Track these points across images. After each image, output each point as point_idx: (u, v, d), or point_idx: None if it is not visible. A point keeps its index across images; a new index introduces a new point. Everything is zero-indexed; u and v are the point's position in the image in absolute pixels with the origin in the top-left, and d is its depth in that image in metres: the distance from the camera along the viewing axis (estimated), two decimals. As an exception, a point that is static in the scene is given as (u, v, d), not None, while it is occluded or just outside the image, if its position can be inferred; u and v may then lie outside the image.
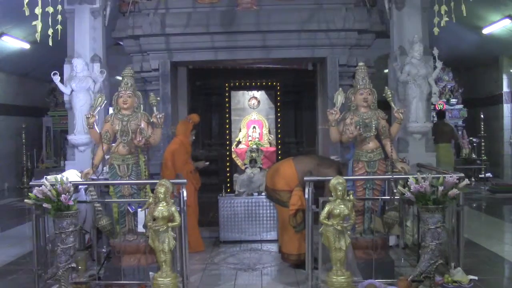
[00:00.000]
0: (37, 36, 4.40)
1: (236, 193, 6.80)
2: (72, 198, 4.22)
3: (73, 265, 4.26)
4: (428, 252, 4.17)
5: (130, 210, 4.89)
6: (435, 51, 6.70)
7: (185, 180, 4.71)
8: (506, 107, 12.17)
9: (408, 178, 4.31)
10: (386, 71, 7.43)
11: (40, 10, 4.30)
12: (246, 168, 6.99)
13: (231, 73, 9.83)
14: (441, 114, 10.89)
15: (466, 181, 4.35)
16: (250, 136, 9.93)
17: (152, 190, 4.56)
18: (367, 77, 4.95)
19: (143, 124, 4.90)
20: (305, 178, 4.63)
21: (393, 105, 4.97)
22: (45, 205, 4.16)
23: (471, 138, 12.17)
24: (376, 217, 4.92)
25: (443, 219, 4.24)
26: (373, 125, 4.84)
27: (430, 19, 5.99)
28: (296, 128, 10.67)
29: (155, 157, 6.61)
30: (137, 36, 7.14)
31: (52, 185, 4.20)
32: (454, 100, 12.76)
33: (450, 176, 4.21)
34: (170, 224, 4.27)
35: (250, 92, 10.45)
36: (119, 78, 5.13)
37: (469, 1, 5.21)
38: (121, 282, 4.67)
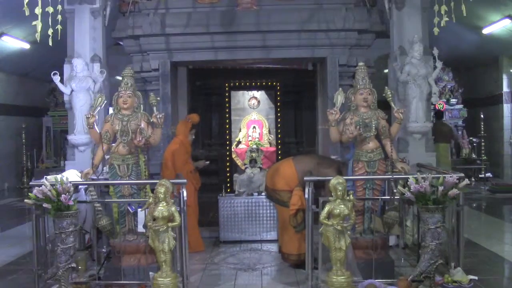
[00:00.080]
0: (37, 36, 4.40)
1: (236, 193, 6.81)
2: (72, 198, 4.22)
3: (73, 265, 4.26)
4: (428, 252, 4.17)
5: (130, 210, 4.89)
6: (435, 51, 6.70)
7: (185, 180, 4.71)
8: (506, 107, 12.17)
9: (408, 178, 4.31)
10: (386, 71, 7.43)
11: (40, 10, 4.30)
12: (246, 168, 6.99)
13: (231, 73, 9.83)
14: (439, 114, 10.90)
15: (466, 181, 4.35)
16: (250, 136, 9.93)
17: (152, 190, 4.56)
18: (367, 77, 4.95)
19: (143, 124, 4.90)
20: (305, 178, 4.63)
21: (393, 105, 4.97)
22: (45, 205, 4.16)
23: (471, 138, 12.18)
24: (376, 217, 4.92)
25: (443, 219, 4.24)
26: (373, 125, 4.84)
27: (430, 19, 5.99)
28: (296, 128, 10.68)
29: (155, 157, 6.61)
30: (137, 36, 7.14)
31: (52, 185, 4.20)
32: (454, 100, 12.75)
33: (450, 176, 4.21)
34: (170, 224, 4.27)
35: (250, 92, 10.46)
36: (119, 78, 5.13)
37: (469, 1, 5.21)
38: (121, 282, 4.67)
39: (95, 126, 4.93)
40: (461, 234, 4.63)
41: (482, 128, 11.60)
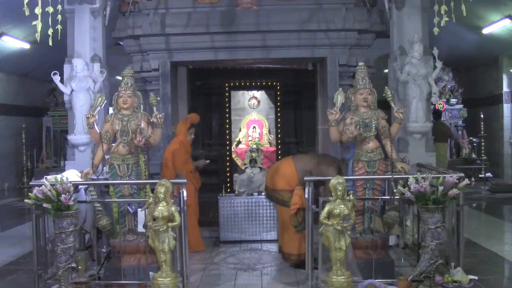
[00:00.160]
0: (37, 36, 4.40)
1: (236, 193, 6.81)
2: (72, 198, 4.22)
3: (73, 265, 4.26)
4: (428, 252, 4.17)
5: (130, 210, 4.89)
6: (435, 51, 6.70)
7: (185, 180, 4.71)
8: (506, 107, 12.17)
9: (408, 178, 4.31)
10: (386, 71, 7.43)
11: (40, 10, 4.30)
12: (246, 168, 6.99)
13: (231, 73, 9.84)
14: (437, 114, 10.90)
15: (466, 181, 4.35)
16: (250, 136, 9.93)
17: (152, 190, 4.56)
18: (367, 77, 4.95)
19: (143, 124, 4.90)
20: (305, 178, 4.63)
21: (393, 105, 4.97)
22: (45, 205, 4.16)
23: (471, 138, 12.18)
24: (376, 217, 4.92)
25: (443, 219, 4.24)
26: (373, 125, 4.84)
27: (430, 19, 5.99)
28: (296, 128, 10.68)
29: (155, 157, 6.61)
30: (137, 36, 7.14)
31: (52, 185, 4.20)
32: (454, 100, 12.75)
33: (450, 176, 4.21)
34: (170, 224, 4.27)
35: (250, 92, 10.46)
36: (119, 78, 5.13)
37: (469, 1, 5.21)
38: (121, 282, 4.67)
39: (95, 126, 4.93)
40: (461, 234, 4.63)
41: (482, 128, 11.59)
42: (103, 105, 5.20)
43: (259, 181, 6.71)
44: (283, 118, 9.59)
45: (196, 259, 5.81)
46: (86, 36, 6.81)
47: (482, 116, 11.66)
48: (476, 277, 4.44)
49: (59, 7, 4.65)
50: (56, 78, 6.70)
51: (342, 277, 4.22)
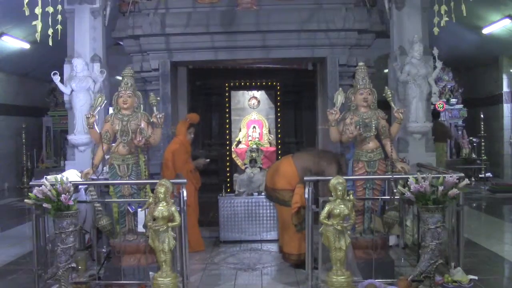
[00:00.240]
0: (37, 36, 4.40)
1: (236, 193, 6.81)
2: (72, 198, 4.22)
3: (73, 265, 4.26)
4: (428, 252, 4.17)
5: (130, 210, 4.89)
6: (435, 51, 6.70)
7: (185, 180, 4.71)
8: (506, 107, 12.17)
9: (408, 178, 4.31)
10: (386, 71, 7.43)
11: (40, 10, 4.30)
12: (246, 168, 6.99)
13: (231, 73, 9.84)
14: (435, 114, 10.90)
15: (466, 181, 4.35)
16: (250, 136, 9.92)
17: (152, 190, 4.56)
18: (367, 77, 4.95)
19: (143, 124, 4.90)
20: (305, 178, 4.63)
21: (393, 105, 4.97)
22: (45, 205, 4.16)
23: (471, 138, 12.19)
24: (376, 217, 4.92)
25: (443, 219, 4.25)
26: (373, 125, 4.85)
27: (430, 19, 5.99)
28: (296, 128, 10.68)
29: (155, 157, 6.61)
30: (137, 36, 7.14)
31: (52, 185, 4.20)
32: (454, 100, 12.75)
33: (450, 176, 4.21)
34: (170, 224, 4.27)
35: (250, 92, 10.45)
36: (119, 78, 5.13)
37: (469, 1, 5.21)
38: (121, 282, 4.67)
39: (95, 126, 4.93)
40: (461, 234, 4.63)
41: (482, 128, 11.60)
42: (103, 105, 5.20)
43: (259, 181, 6.71)
44: (283, 118, 9.60)
45: (196, 259, 5.81)
46: (86, 36, 6.81)
47: (482, 116, 11.66)
48: (476, 277, 4.44)
49: (59, 7, 4.65)
50: (56, 78, 6.70)
51: (342, 277, 4.22)
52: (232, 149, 9.36)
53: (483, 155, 11.63)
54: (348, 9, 7.07)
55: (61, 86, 6.75)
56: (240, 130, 10.14)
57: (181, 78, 8.32)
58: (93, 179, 5.19)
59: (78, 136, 6.64)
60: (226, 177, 8.74)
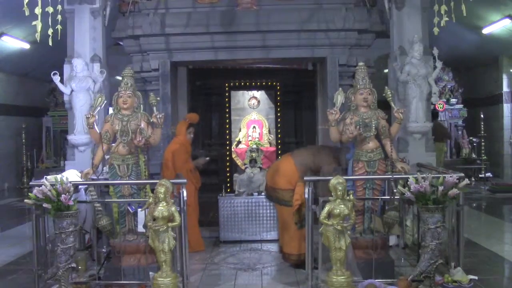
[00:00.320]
0: (37, 36, 4.40)
1: (236, 193, 6.81)
2: (72, 198, 4.22)
3: (73, 265, 4.26)
4: (428, 252, 4.17)
5: (130, 210, 4.89)
6: (435, 51, 6.70)
7: (185, 180, 4.71)
8: (506, 107, 12.17)
9: (408, 178, 4.31)
10: (386, 71, 7.43)
11: (40, 10, 4.30)
12: (246, 168, 6.99)
13: (231, 73, 9.84)
14: (434, 114, 10.90)
15: (466, 181, 4.35)
16: (250, 136, 9.92)
17: (152, 190, 4.56)
18: (367, 77, 4.95)
19: (143, 124, 4.89)
20: (305, 178, 4.63)
21: (393, 105, 4.98)
22: (45, 205, 4.16)
23: (471, 138, 12.19)
24: (376, 217, 4.92)
25: (443, 219, 4.24)
26: (373, 125, 4.85)
27: (430, 19, 5.99)
28: (296, 128, 10.68)
29: (155, 157, 6.61)
30: (137, 36, 7.14)
31: (52, 185, 4.20)
32: (454, 100, 12.75)
33: (450, 176, 4.21)
34: (170, 224, 4.26)
35: (250, 92, 10.45)
36: (119, 78, 5.13)
37: (469, 1, 5.21)
38: (121, 282, 4.67)
39: (95, 126, 4.93)
40: (461, 234, 4.63)
41: (482, 128, 11.61)
42: (103, 105, 5.20)
43: (259, 181, 6.71)
44: (283, 118, 9.59)
45: (196, 259, 5.81)
46: (86, 36, 6.80)
47: (482, 116, 11.67)
48: (476, 277, 4.44)
49: (59, 7, 4.65)
50: (56, 78, 6.70)
51: (342, 277, 4.22)
52: (232, 149, 9.36)
53: (483, 155, 11.63)
54: (348, 9, 7.08)
55: (61, 86, 6.74)
56: (240, 130, 10.14)
57: (181, 78, 8.32)
58: (93, 179, 5.19)
59: (78, 136, 6.63)
60: (226, 177, 8.74)
